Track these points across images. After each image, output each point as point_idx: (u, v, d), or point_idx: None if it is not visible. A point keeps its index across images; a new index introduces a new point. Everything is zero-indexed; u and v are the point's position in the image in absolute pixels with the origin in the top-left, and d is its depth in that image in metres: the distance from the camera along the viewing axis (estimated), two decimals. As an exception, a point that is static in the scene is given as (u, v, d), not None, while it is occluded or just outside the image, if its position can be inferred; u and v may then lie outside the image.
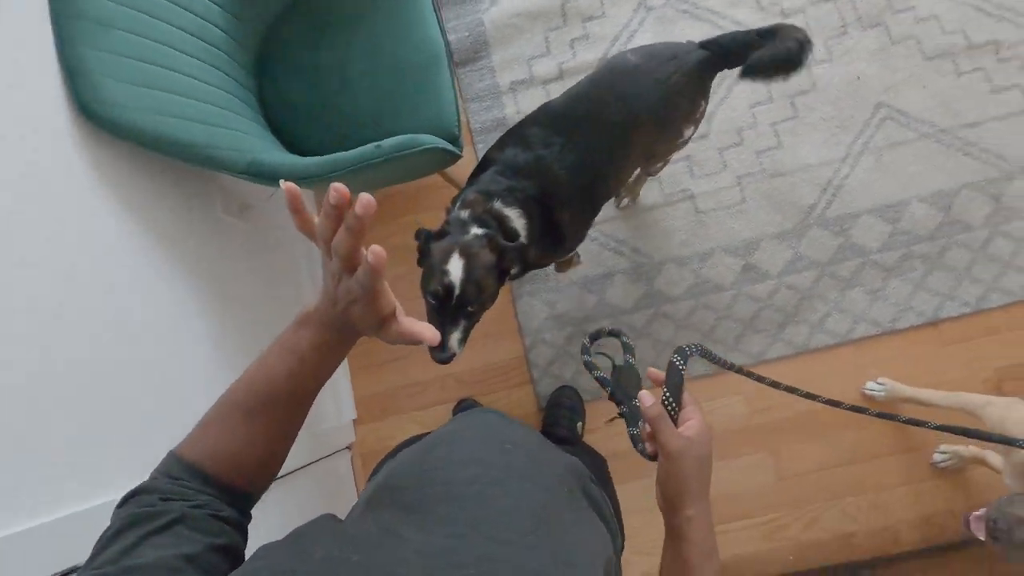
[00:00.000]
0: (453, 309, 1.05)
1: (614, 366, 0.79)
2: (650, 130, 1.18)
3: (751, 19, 1.79)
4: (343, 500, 1.58)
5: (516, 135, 1.18)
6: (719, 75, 1.23)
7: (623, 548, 0.71)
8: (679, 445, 0.56)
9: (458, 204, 1.12)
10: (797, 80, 1.78)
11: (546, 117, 1.17)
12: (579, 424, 1.64)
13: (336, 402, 1.69)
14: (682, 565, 0.57)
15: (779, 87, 1.75)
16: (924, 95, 1.72)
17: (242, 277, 1.33)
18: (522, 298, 1.75)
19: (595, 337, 0.85)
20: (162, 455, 0.51)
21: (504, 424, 0.73)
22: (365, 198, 0.43)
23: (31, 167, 0.84)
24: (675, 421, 0.58)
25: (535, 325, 1.74)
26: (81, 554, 0.44)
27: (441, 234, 1.08)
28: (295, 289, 1.58)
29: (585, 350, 0.82)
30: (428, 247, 1.07)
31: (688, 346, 0.64)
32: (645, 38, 1.82)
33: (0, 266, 0.75)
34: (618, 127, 1.14)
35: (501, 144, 1.19)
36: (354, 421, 1.76)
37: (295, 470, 1.31)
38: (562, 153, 1.13)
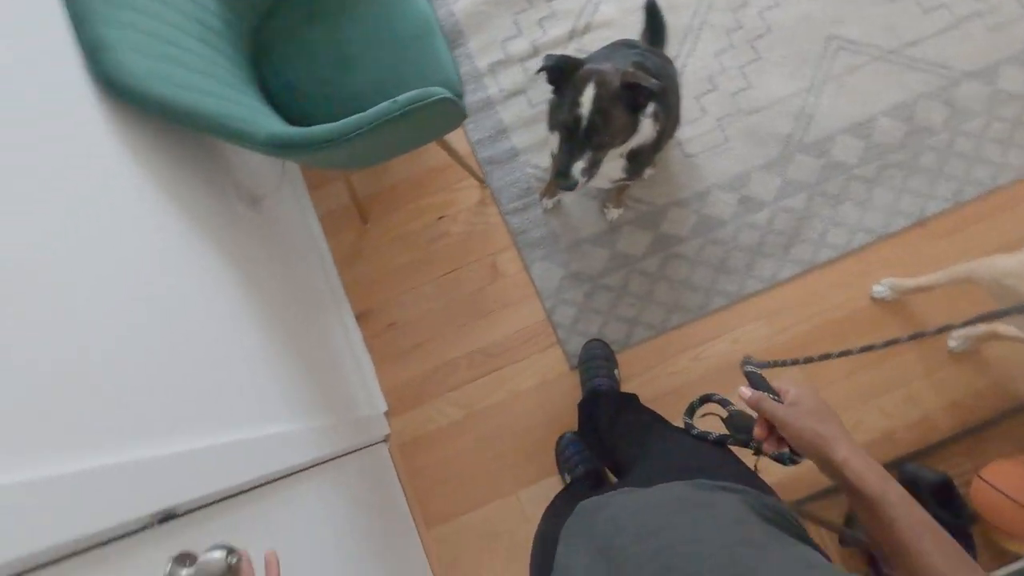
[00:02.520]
0: (581, 140, 1.09)
1: (724, 420, 0.81)
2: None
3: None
4: (386, 490, 1.53)
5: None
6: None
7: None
8: (784, 412, 0.61)
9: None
10: (752, 25, 1.92)
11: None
12: (616, 371, 1.65)
13: (366, 392, 1.65)
14: (868, 503, 0.56)
15: (738, 34, 1.89)
16: (866, 24, 1.88)
17: (260, 261, 1.31)
18: (535, 263, 1.78)
19: (691, 411, 0.89)
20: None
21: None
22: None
23: (62, 144, 0.80)
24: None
25: (553, 287, 1.76)
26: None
27: (578, 64, 1.12)
28: (308, 273, 1.58)
29: (689, 427, 0.87)
30: (564, 76, 1.12)
31: (747, 360, 0.74)
32: (609, 9, 1.93)
33: (55, 241, 0.70)
34: None
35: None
36: (387, 413, 1.71)
37: (334, 458, 1.26)
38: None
